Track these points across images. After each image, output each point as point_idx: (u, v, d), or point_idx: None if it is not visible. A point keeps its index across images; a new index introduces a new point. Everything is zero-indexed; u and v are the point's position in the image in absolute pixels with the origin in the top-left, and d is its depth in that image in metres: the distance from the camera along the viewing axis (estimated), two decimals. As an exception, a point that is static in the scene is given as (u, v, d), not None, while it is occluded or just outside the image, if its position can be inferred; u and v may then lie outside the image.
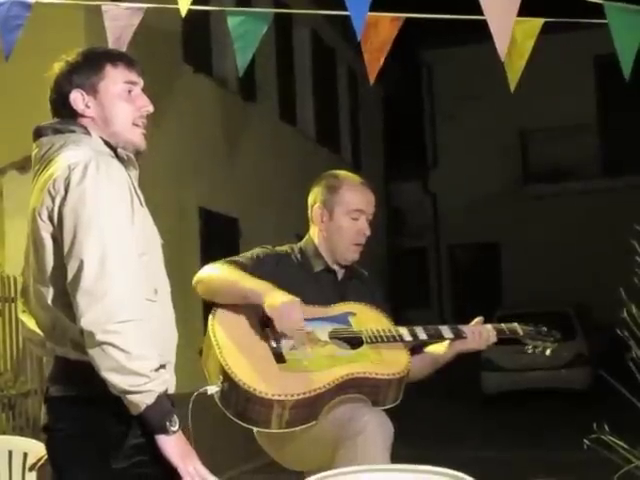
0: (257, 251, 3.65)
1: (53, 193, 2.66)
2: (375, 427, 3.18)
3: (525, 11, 3.72)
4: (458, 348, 3.70)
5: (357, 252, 3.71)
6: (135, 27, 3.67)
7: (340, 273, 3.75)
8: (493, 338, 3.71)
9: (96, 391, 2.58)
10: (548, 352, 3.82)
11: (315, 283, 3.60)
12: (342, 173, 3.78)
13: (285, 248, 3.74)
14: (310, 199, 3.75)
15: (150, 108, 2.88)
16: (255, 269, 3.52)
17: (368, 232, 3.69)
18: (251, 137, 13.72)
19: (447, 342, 3.71)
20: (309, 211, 3.75)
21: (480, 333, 3.68)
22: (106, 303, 2.53)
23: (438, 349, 3.75)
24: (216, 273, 3.51)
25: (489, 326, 3.73)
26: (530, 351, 3.83)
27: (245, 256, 3.62)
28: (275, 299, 3.30)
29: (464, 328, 3.69)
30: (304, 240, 3.77)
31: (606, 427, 4.66)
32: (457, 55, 21.68)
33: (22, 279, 2.90)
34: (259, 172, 13.96)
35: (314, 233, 3.74)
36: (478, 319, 3.75)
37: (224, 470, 2.96)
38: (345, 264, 3.73)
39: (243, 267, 3.52)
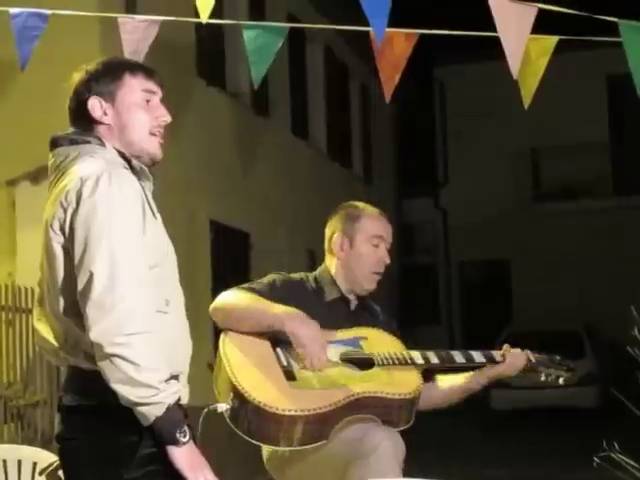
0: (272, 277, 3.62)
1: (65, 205, 2.67)
2: (388, 445, 3.17)
3: (539, 29, 3.72)
4: (490, 374, 3.68)
5: (375, 281, 3.69)
6: (151, 40, 3.69)
7: (353, 304, 3.73)
8: (522, 362, 3.70)
9: (108, 401, 2.58)
10: (561, 381, 3.83)
11: (328, 311, 3.57)
12: (360, 204, 3.78)
13: (300, 275, 3.72)
14: (328, 230, 3.74)
15: (168, 118, 2.89)
16: (271, 296, 3.49)
17: (388, 260, 3.69)
18: (263, 151, 13.75)
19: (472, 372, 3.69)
20: (326, 242, 3.74)
21: (516, 358, 3.68)
22: (115, 315, 2.53)
23: (460, 378, 3.71)
24: (235, 301, 3.47)
25: (518, 350, 3.71)
26: (543, 379, 3.81)
27: (261, 282, 3.59)
28: (299, 328, 3.31)
29: (474, 353, 3.67)
30: (319, 269, 3.76)
31: (616, 446, 4.64)
32: (469, 72, 21.69)
33: (39, 289, 2.90)
34: (271, 186, 13.97)
35: (330, 263, 3.72)
36: (506, 346, 3.74)
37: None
38: (361, 294, 3.72)
39: (259, 294, 3.49)
